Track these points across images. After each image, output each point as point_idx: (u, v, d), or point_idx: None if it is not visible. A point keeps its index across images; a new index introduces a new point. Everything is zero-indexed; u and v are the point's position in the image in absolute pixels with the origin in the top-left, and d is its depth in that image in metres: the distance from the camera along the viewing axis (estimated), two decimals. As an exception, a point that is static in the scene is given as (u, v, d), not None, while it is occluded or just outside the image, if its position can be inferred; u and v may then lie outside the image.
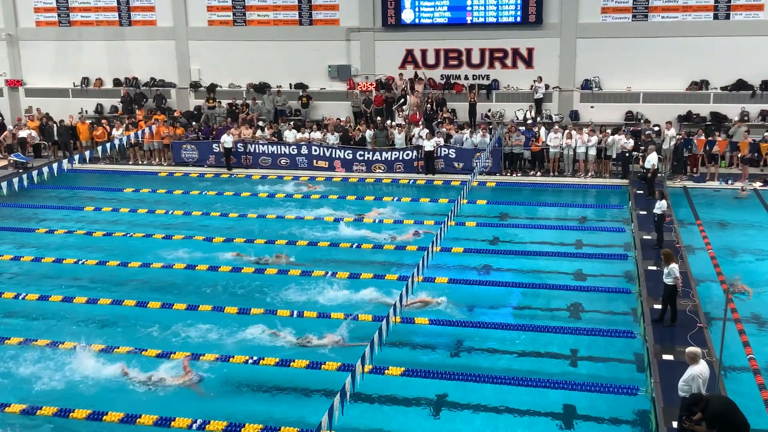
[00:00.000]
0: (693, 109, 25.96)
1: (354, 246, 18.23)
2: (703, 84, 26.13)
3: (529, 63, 27.48)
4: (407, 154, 24.87)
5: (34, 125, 28.26)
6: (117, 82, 30.77)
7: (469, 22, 27.57)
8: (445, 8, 27.58)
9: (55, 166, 20.58)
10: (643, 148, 22.61)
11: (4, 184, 18.85)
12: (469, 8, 27.41)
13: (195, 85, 30.14)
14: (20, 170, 24.87)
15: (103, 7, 30.57)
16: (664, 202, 17.07)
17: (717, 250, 17.35)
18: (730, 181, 22.80)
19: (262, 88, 29.23)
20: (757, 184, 22.41)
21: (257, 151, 25.81)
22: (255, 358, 12.90)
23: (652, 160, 21.05)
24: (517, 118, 26.45)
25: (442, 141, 24.69)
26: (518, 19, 27.08)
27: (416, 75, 28.04)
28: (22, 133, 27.58)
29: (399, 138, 25.17)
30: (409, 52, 28.37)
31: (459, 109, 27.53)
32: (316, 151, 25.41)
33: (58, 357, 13.20)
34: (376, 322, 13.71)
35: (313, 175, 24.89)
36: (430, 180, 24.17)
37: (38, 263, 17.78)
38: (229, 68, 29.75)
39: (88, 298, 15.57)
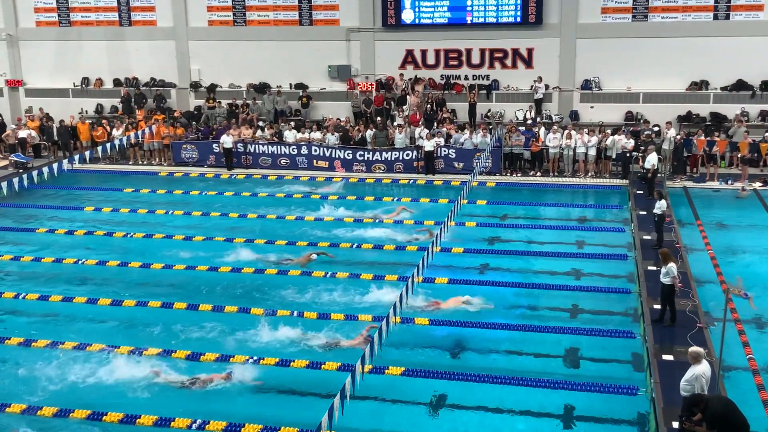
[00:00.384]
0: (693, 109, 25.96)
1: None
2: (703, 84, 26.13)
3: (529, 63, 27.48)
4: (407, 154, 24.87)
5: (34, 125, 28.27)
6: (117, 82, 30.77)
7: (469, 22, 27.57)
8: (445, 8, 27.58)
9: (55, 166, 20.59)
10: (643, 148, 22.62)
11: (4, 184, 18.86)
12: (469, 8, 27.41)
13: (195, 85, 30.14)
14: (20, 170, 24.88)
15: (103, 7, 30.57)
16: (663, 202, 17.08)
17: (717, 251, 17.36)
18: (730, 182, 22.80)
19: (262, 89, 29.24)
20: (757, 185, 22.41)
21: (257, 151, 25.82)
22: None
23: (652, 160, 21.06)
24: (517, 119, 26.46)
25: (442, 141, 24.70)
26: (518, 19, 27.09)
27: (415, 77, 28.02)
28: (22, 133, 27.59)
29: (400, 138, 25.17)
30: (409, 53, 28.37)
31: (459, 110, 27.54)
32: (316, 151, 25.42)
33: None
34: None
35: (313, 175, 24.89)
36: (430, 180, 24.18)
37: (38, 263, 17.79)
38: (229, 68, 29.75)
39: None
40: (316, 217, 20.59)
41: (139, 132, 26.33)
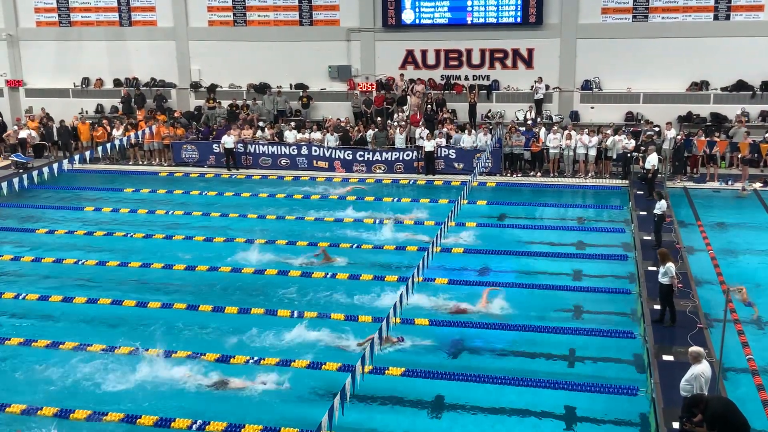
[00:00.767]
0: (693, 109, 25.96)
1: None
2: (703, 85, 26.13)
3: (529, 63, 27.48)
4: (407, 155, 24.88)
5: (34, 125, 28.27)
6: (117, 83, 30.77)
7: (469, 22, 27.57)
8: (446, 9, 27.58)
9: (55, 166, 20.56)
10: (643, 148, 22.63)
11: (4, 185, 18.84)
12: (469, 9, 27.41)
13: (195, 86, 30.14)
14: (20, 170, 24.88)
15: (103, 8, 30.57)
16: (663, 202, 17.08)
17: (717, 251, 17.36)
18: (730, 182, 22.81)
19: (262, 89, 29.24)
20: (757, 185, 22.41)
21: (257, 151, 25.82)
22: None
23: (652, 160, 21.06)
24: (517, 119, 26.46)
25: (443, 141, 24.70)
26: (518, 19, 27.08)
27: (417, 79, 28.01)
28: (22, 134, 27.60)
29: (399, 138, 25.18)
30: (410, 53, 28.37)
31: (459, 110, 27.53)
32: (316, 151, 25.42)
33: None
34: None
35: (313, 175, 24.89)
36: (430, 180, 24.18)
37: (39, 263, 17.81)
38: (229, 68, 29.75)
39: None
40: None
41: (139, 132, 26.34)
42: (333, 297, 15.54)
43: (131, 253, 18.30)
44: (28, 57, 31.45)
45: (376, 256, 17.91)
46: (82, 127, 27.56)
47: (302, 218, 20.64)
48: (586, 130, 24.01)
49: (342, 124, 26.58)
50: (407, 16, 27.93)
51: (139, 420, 11.32)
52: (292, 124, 27.41)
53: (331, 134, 25.60)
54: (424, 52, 28.27)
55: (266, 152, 25.80)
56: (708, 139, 23.50)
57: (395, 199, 22.39)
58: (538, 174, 24.21)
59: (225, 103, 28.85)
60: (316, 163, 25.46)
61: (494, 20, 27.32)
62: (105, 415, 11.44)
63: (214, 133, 26.80)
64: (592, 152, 23.61)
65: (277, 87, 29.14)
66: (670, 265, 13.31)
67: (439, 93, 27.73)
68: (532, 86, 27.10)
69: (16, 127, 28.43)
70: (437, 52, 28.16)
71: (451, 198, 21.28)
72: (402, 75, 28.21)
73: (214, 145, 26.10)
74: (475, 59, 27.93)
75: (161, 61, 30.27)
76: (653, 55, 26.05)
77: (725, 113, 25.63)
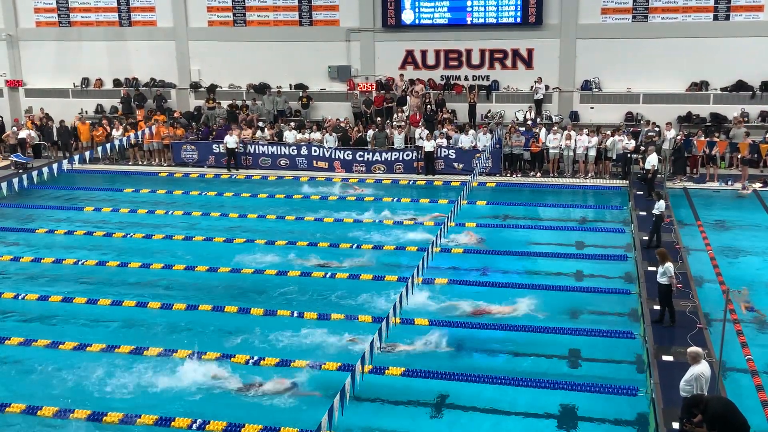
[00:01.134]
0: (693, 110, 25.97)
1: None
2: (703, 85, 26.14)
3: (529, 64, 27.49)
4: (407, 155, 24.88)
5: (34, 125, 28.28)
6: (117, 83, 30.77)
7: (469, 22, 27.57)
8: (445, 9, 27.58)
9: (55, 166, 20.58)
10: (643, 149, 22.64)
11: (4, 185, 18.85)
12: (469, 9, 27.42)
13: (195, 86, 30.14)
14: (20, 171, 24.88)
15: (103, 8, 30.57)
16: (662, 202, 17.08)
17: (717, 251, 17.37)
18: (729, 182, 22.81)
19: (262, 89, 29.24)
20: (757, 185, 22.42)
21: (257, 151, 25.82)
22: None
23: (652, 161, 21.07)
24: (517, 119, 26.46)
25: (444, 142, 24.70)
26: (518, 19, 27.09)
27: (417, 80, 28.03)
28: (22, 134, 27.59)
29: (398, 138, 25.18)
30: (409, 53, 28.37)
31: (459, 110, 27.54)
32: (315, 151, 25.42)
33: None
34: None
35: (312, 175, 24.89)
36: (430, 181, 24.18)
37: (38, 263, 17.82)
38: (229, 69, 29.75)
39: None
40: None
41: (139, 132, 26.34)
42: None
43: (131, 253, 18.30)
44: (28, 57, 31.45)
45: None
46: (82, 127, 27.56)
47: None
48: (585, 131, 24.01)
49: (342, 125, 26.57)
50: (407, 17, 27.93)
51: (138, 420, 11.32)
52: (292, 124, 27.41)
53: (330, 134, 25.60)
54: (423, 53, 28.28)
55: (266, 152, 25.80)
56: (708, 139, 23.51)
57: (395, 199, 22.36)
58: (538, 174, 24.21)
59: (225, 104, 28.85)
60: (316, 164, 25.46)
61: (494, 20, 27.32)
62: (105, 415, 11.44)
63: (214, 133, 26.80)
64: (592, 152, 23.61)
65: (277, 87, 29.14)
66: (669, 265, 13.31)
67: (439, 93, 27.73)
68: (532, 86, 27.10)
69: (14, 128, 28.40)
70: (437, 52, 28.16)
71: (451, 198, 21.28)
72: (402, 75, 28.21)
73: (214, 146, 26.10)
74: (475, 59, 27.94)
75: (161, 61, 30.27)
76: (653, 55, 26.05)
77: (725, 113, 25.63)
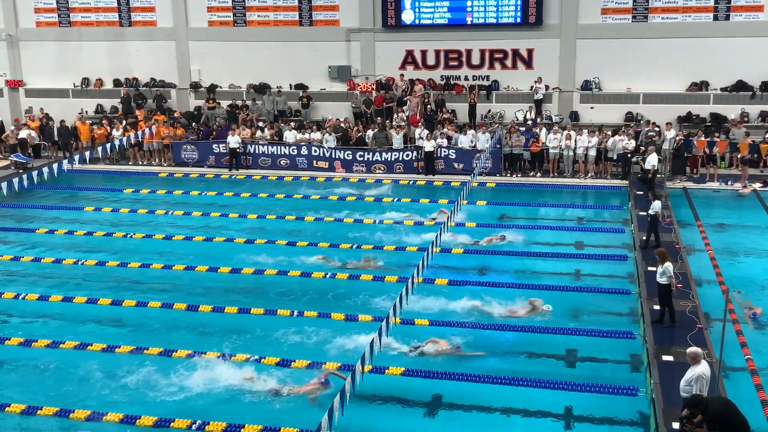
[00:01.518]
0: (693, 110, 25.97)
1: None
2: (703, 85, 26.14)
3: (529, 64, 27.49)
4: (407, 155, 24.88)
5: (34, 125, 28.27)
6: (117, 83, 30.77)
7: (469, 22, 27.57)
8: (445, 9, 27.58)
9: (55, 166, 20.58)
10: (643, 149, 22.64)
11: (4, 185, 18.85)
12: (469, 9, 27.42)
13: (195, 86, 30.15)
14: (20, 170, 24.88)
15: (103, 8, 30.57)
16: (658, 203, 17.08)
17: (717, 251, 17.36)
18: (729, 182, 22.81)
19: (262, 89, 29.24)
20: (757, 185, 22.41)
21: (257, 151, 25.83)
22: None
23: (652, 161, 21.07)
24: (517, 119, 26.46)
25: (444, 142, 24.70)
26: (518, 20, 27.09)
27: (417, 80, 28.04)
28: (22, 134, 27.60)
29: (397, 139, 25.18)
30: (409, 53, 28.37)
31: (459, 110, 27.53)
32: (315, 151, 25.43)
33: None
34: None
35: (313, 175, 24.90)
36: (430, 181, 24.18)
37: (50, 264, 17.82)
38: (229, 69, 29.75)
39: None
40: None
41: (139, 132, 26.34)
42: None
43: (131, 253, 18.30)
44: (28, 57, 31.45)
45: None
46: (82, 127, 27.56)
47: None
48: (585, 131, 24.01)
49: (342, 125, 26.57)
50: (407, 17, 27.93)
51: (138, 420, 11.32)
52: (292, 124, 27.41)
53: (329, 134, 25.59)
54: (423, 53, 28.28)
55: (266, 152, 25.80)
56: (708, 139, 23.51)
57: (395, 199, 22.37)
58: (538, 174, 24.21)
59: (225, 104, 28.85)
60: (316, 164, 25.46)
61: (494, 20, 27.32)
62: (105, 415, 11.45)
63: (214, 133, 26.80)
64: (592, 152, 23.61)
65: (277, 87, 29.14)
66: (668, 265, 13.32)
67: (439, 93, 27.73)
68: (532, 86, 27.10)
69: (13, 128, 28.37)
70: (437, 52, 28.16)
71: (451, 198, 21.27)
72: (402, 75, 28.21)
73: (214, 146, 26.10)
74: (475, 59, 27.94)
75: (161, 62, 30.27)
76: (653, 55, 26.05)
77: (725, 113, 25.62)
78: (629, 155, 22.97)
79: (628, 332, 13.65)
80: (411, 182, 24.11)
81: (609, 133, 23.77)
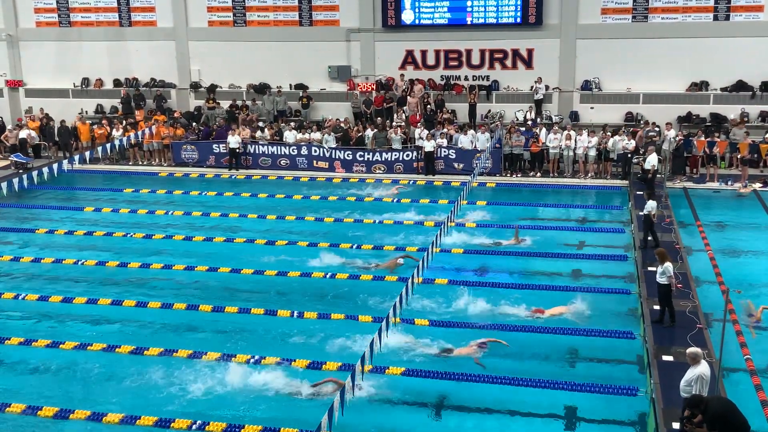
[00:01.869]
0: (693, 110, 25.98)
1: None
2: (703, 85, 26.14)
3: (529, 64, 27.49)
4: (407, 155, 24.88)
5: (35, 125, 28.28)
6: (117, 83, 30.77)
7: (469, 23, 27.57)
8: (445, 9, 27.58)
9: (55, 166, 20.60)
10: (642, 150, 22.64)
11: (4, 185, 18.87)
12: (469, 9, 27.42)
13: (195, 86, 30.15)
14: (20, 170, 24.88)
15: (103, 8, 30.58)
16: (652, 202, 17.09)
17: (716, 251, 17.36)
18: (729, 182, 22.81)
19: (262, 89, 29.24)
20: (757, 185, 22.41)
21: (257, 151, 25.83)
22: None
23: (651, 161, 21.07)
24: (517, 119, 26.46)
25: (444, 142, 24.70)
26: (518, 20, 27.09)
27: (416, 80, 28.04)
28: (22, 134, 27.60)
29: (396, 139, 25.17)
30: (409, 53, 28.38)
31: (459, 110, 27.53)
32: (315, 151, 25.43)
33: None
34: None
35: (313, 175, 24.90)
36: (430, 181, 24.18)
37: (38, 263, 17.82)
38: (229, 69, 29.75)
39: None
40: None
41: (139, 132, 26.34)
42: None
43: (131, 253, 18.31)
44: (28, 57, 31.45)
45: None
46: (82, 127, 27.55)
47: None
48: (585, 131, 24.01)
49: (342, 125, 26.57)
50: (407, 17, 27.93)
51: (138, 420, 11.32)
52: (292, 124, 27.41)
53: (329, 134, 25.59)
54: (423, 53, 28.28)
55: (266, 152, 25.80)
56: (708, 139, 23.51)
57: (395, 200, 22.36)
58: (538, 174, 24.21)
59: (225, 104, 28.85)
60: (316, 164, 25.46)
61: (494, 21, 27.33)
62: (105, 416, 11.45)
63: (214, 133, 26.80)
64: (592, 153, 23.62)
65: (277, 87, 29.15)
66: (668, 265, 13.32)
67: (439, 93, 27.73)
68: (532, 86, 27.10)
69: (11, 127, 28.36)
70: (437, 52, 28.17)
71: (451, 198, 21.27)
72: (402, 75, 28.21)
73: (214, 146, 26.10)
74: (475, 59, 27.94)
75: (161, 62, 30.27)
76: (653, 55, 26.05)
77: (725, 113, 25.63)
78: (629, 155, 22.97)
79: (628, 332, 13.65)
80: (411, 182, 24.09)
81: (609, 134, 23.74)
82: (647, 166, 21.15)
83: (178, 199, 22.91)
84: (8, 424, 11.51)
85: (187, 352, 13.22)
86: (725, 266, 16.46)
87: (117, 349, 13.53)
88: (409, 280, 12.99)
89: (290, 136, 25.97)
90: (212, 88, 29.56)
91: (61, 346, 13.61)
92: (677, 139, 23.49)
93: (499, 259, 17.65)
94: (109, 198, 23.27)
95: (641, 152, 22.65)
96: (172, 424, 11.18)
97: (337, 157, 25.26)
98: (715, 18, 25.80)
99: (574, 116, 26.83)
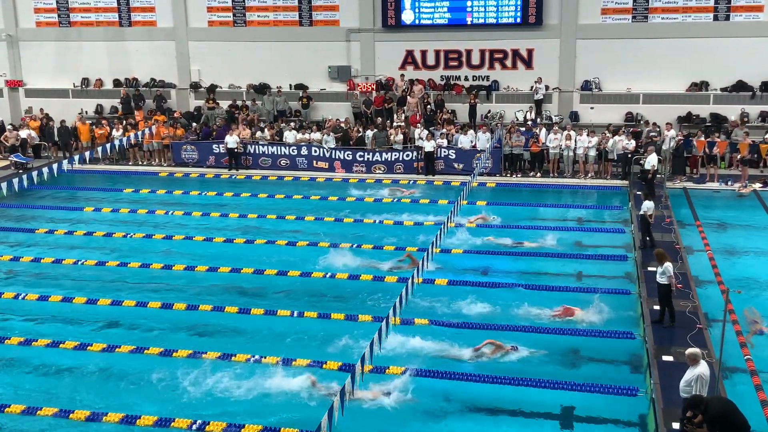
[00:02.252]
0: (693, 110, 25.98)
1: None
2: (703, 85, 26.15)
3: (529, 64, 27.49)
4: (407, 155, 24.88)
5: (35, 125, 28.27)
6: (117, 83, 30.77)
7: (469, 23, 27.57)
8: (445, 9, 27.58)
9: (55, 166, 20.58)
10: (642, 150, 22.63)
11: (4, 185, 18.86)
12: (469, 9, 27.42)
13: (195, 86, 30.15)
14: (20, 171, 24.88)
15: (103, 8, 30.58)
16: (650, 203, 17.10)
17: (716, 251, 17.36)
18: (729, 182, 22.81)
19: (262, 89, 29.24)
20: (757, 185, 22.41)
21: (257, 151, 25.82)
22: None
23: (651, 161, 21.07)
24: (517, 119, 26.46)
25: (444, 142, 24.70)
26: (518, 20, 27.09)
27: (416, 80, 28.05)
28: (22, 134, 27.60)
29: (398, 140, 25.15)
30: (409, 53, 28.38)
31: (459, 110, 27.53)
32: (315, 152, 25.42)
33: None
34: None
35: (313, 176, 24.90)
36: (430, 181, 24.18)
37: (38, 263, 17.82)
38: (229, 69, 29.75)
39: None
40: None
41: (139, 132, 26.33)
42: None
43: (131, 253, 18.31)
44: (28, 57, 31.45)
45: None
46: (82, 127, 27.55)
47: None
48: (585, 131, 24.00)
49: (342, 125, 26.56)
50: (407, 17, 27.93)
51: (138, 420, 11.32)
52: (292, 124, 27.41)
53: (329, 134, 25.58)
54: (423, 53, 28.28)
55: (266, 152, 25.79)
56: (708, 139, 23.51)
57: (395, 200, 22.35)
58: (538, 174, 24.21)
59: (225, 104, 28.84)
60: (316, 164, 25.46)
61: (494, 21, 27.33)
62: (105, 415, 11.45)
63: (214, 133, 26.79)
64: (592, 153, 23.61)
65: (277, 87, 29.14)
66: (668, 265, 13.32)
67: (439, 93, 27.73)
68: (532, 87, 27.10)
69: (10, 128, 28.34)
70: (437, 52, 28.17)
71: (451, 198, 21.26)
72: (402, 75, 28.21)
73: (214, 146, 26.09)
74: (475, 60, 27.94)
75: (161, 62, 30.27)
76: (653, 55, 26.05)
77: (725, 114, 25.63)
78: (629, 155, 22.97)
79: (628, 332, 13.65)
80: (411, 182, 24.08)
81: (609, 134, 23.73)
82: (647, 166, 21.14)
83: (178, 199, 22.91)
84: (8, 424, 11.52)
85: (187, 351, 13.24)
86: (725, 266, 16.47)
87: (117, 349, 13.54)
88: (409, 280, 12.99)
89: (290, 136, 25.97)
90: (212, 88, 29.56)
91: (61, 345, 13.62)
92: (677, 139, 23.48)
93: (500, 259, 17.64)
94: (109, 198, 23.27)
95: (641, 151, 22.62)
96: (172, 424, 11.19)
97: (337, 157, 25.26)
98: (715, 18, 25.79)
99: (574, 116, 26.83)
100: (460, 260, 17.54)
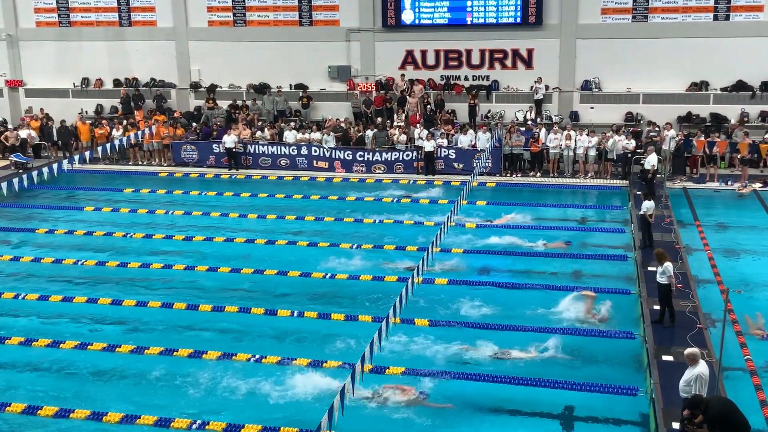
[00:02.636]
0: (693, 110, 25.98)
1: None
2: (703, 85, 26.14)
3: (529, 64, 27.49)
4: (407, 155, 24.88)
5: (35, 125, 28.27)
6: (117, 83, 30.77)
7: (469, 22, 27.57)
8: (445, 9, 27.58)
9: (55, 166, 20.59)
10: (641, 150, 22.63)
11: (4, 185, 18.86)
12: (469, 9, 27.42)
13: (195, 86, 30.15)
14: (20, 170, 24.88)
15: (103, 8, 30.58)
16: (650, 203, 17.10)
17: (716, 251, 17.36)
18: (729, 182, 22.81)
19: (262, 89, 29.24)
20: (757, 185, 22.41)
21: (257, 151, 25.82)
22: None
23: (651, 161, 21.07)
24: (517, 119, 26.46)
25: (444, 142, 24.70)
26: (518, 20, 27.09)
27: (416, 80, 28.05)
28: (22, 134, 27.59)
29: (401, 140, 25.15)
30: (409, 53, 28.38)
31: (459, 110, 27.53)
32: (315, 151, 25.42)
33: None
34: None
35: (313, 175, 24.90)
36: (430, 181, 24.17)
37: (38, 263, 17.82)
38: (229, 69, 29.75)
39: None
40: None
41: (139, 132, 26.33)
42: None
43: (131, 253, 18.30)
44: (28, 57, 31.45)
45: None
46: (82, 127, 27.55)
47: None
48: (585, 131, 24.00)
49: (342, 125, 26.56)
50: (407, 17, 27.93)
51: (138, 420, 11.33)
52: (292, 124, 27.41)
53: (329, 134, 25.58)
54: (423, 53, 28.28)
55: (266, 152, 25.79)
56: (708, 139, 23.51)
57: (394, 200, 22.34)
58: (538, 174, 24.21)
59: (225, 104, 28.84)
60: (316, 164, 25.46)
61: (494, 20, 27.33)
62: (105, 415, 11.46)
63: (214, 133, 26.79)
64: (592, 152, 23.61)
65: (277, 87, 29.14)
66: (668, 265, 13.32)
67: (439, 93, 27.73)
68: (532, 86, 27.10)
69: (10, 128, 28.33)
70: (437, 52, 28.17)
71: (451, 198, 21.26)
72: (402, 75, 28.21)
73: (214, 146, 26.09)
74: (475, 59, 27.94)
75: (161, 62, 30.27)
76: (653, 55, 26.05)
77: (725, 113, 25.64)
78: (629, 155, 22.97)
79: (628, 332, 13.65)
80: (411, 182, 24.08)
81: (609, 134, 23.72)
82: (647, 166, 21.14)
83: (178, 199, 22.91)
84: (8, 424, 11.52)
85: (187, 351, 13.24)
86: (725, 266, 16.48)
87: (117, 349, 13.55)
88: (409, 280, 12.99)
89: (290, 136, 25.97)
90: (212, 88, 29.56)
91: (61, 345, 13.62)
92: (677, 139, 23.48)
93: (500, 259, 17.64)
94: (109, 198, 23.26)
95: (641, 151, 22.62)
96: (172, 424, 11.19)
97: (337, 157, 25.26)
98: (715, 18, 25.79)
99: (574, 116, 26.83)
100: (462, 259, 17.53)
